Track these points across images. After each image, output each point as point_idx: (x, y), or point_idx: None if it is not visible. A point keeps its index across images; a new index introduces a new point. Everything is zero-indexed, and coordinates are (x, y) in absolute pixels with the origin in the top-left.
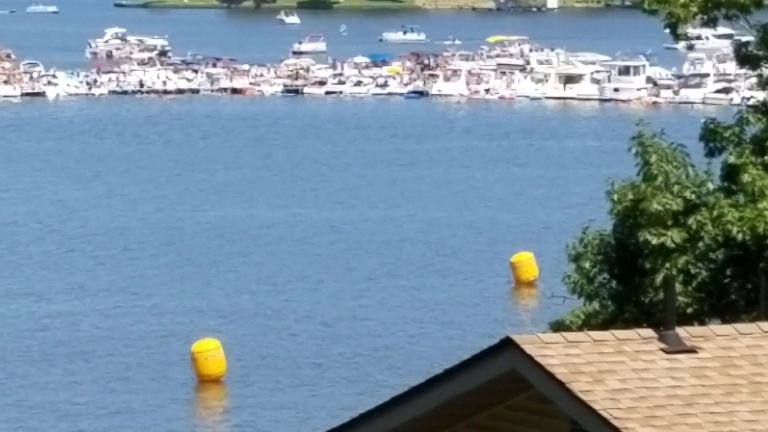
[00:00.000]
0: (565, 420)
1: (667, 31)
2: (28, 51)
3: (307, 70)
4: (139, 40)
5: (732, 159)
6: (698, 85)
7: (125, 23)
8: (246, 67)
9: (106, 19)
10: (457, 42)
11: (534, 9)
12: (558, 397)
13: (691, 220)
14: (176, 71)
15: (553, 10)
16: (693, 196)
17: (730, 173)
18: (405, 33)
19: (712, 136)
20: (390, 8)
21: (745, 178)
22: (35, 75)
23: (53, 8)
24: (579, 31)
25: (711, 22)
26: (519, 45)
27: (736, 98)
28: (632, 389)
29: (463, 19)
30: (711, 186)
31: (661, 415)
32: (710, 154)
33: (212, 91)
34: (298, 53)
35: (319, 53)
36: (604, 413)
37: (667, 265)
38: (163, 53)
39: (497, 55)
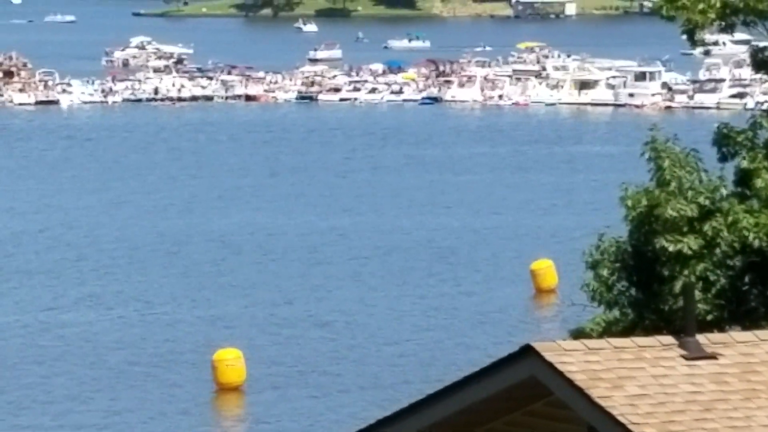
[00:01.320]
0: (583, 426)
1: (684, 37)
2: (45, 60)
3: (322, 76)
4: (156, 49)
5: (745, 164)
6: (713, 90)
7: (144, 32)
8: (261, 74)
9: (124, 28)
10: (488, 48)
11: (552, 16)
12: (576, 403)
13: (706, 227)
14: (191, 79)
15: (572, 17)
16: (707, 202)
17: (743, 178)
18: (410, 41)
19: (725, 141)
20: (407, 16)
21: (759, 183)
22: (50, 83)
23: (71, 18)
24: (597, 37)
25: (728, 28)
26: (550, 52)
27: (751, 103)
28: (651, 395)
29: (481, 26)
30: (724, 191)
31: (679, 420)
32: (723, 159)
33: (227, 98)
34: (313, 61)
35: (335, 61)
36: (621, 418)
37: (686, 272)
38: (179, 61)
39: (513, 62)
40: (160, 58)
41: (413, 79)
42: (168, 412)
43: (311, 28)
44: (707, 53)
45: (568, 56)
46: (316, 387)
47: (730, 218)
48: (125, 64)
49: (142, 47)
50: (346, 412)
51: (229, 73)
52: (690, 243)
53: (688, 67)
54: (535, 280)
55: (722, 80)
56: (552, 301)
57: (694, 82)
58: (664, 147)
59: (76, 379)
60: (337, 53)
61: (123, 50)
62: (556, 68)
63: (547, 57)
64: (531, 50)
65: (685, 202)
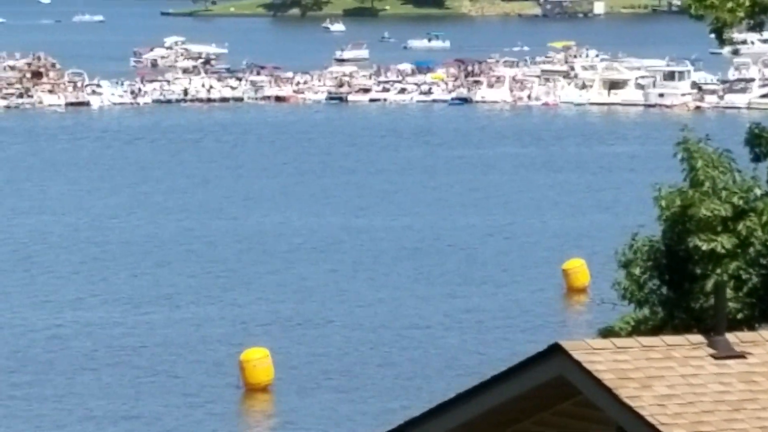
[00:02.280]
0: (611, 426)
1: (713, 35)
2: (73, 60)
3: (351, 77)
4: (185, 49)
5: None
6: (743, 90)
7: (173, 32)
8: (290, 74)
9: (152, 28)
10: (525, 48)
11: (580, 15)
12: (605, 402)
13: (740, 226)
14: (220, 79)
15: (600, 16)
16: (741, 202)
17: None
18: (430, 40)
19: (757, 141)
20: (435, 15)
21: None
22: (79, 84)
23: (99, 18)
24: (625, 36)
25: (757, 27)
26: (586, 50)
27: None
28: (680, 395)
29: (509, 25)
30: (758, 191)
31: (708, 420)
32: (756, 159)
33: (256, 99)
34: (340, 61)
35: (362, 60)
36: (650, 419)
37: (718, 270)
38: (207, 62)
39: (542, 62)
40: (188, 58)
41: (442, 80)
42: (196, 411)
43: (339, 27)
44: (736, 52)
45: (597, 56)
46: (344, 387)
47: (764, 218)
48: (154, 64)
49: (171, 47)
50: (374, 412)
51: (258, 73)
52: (723, 242)
53: (717, 66)
54: (566, 279)
55: (752, 80)
56: (583, 300)
57: (723, 81)
58: (697, 147)
59: (102, 378)
60: (363, 53)
61: (151, 50)
62: (585, 68)
63: (576, 57)
64: (566, 49)
65: (719, 202)
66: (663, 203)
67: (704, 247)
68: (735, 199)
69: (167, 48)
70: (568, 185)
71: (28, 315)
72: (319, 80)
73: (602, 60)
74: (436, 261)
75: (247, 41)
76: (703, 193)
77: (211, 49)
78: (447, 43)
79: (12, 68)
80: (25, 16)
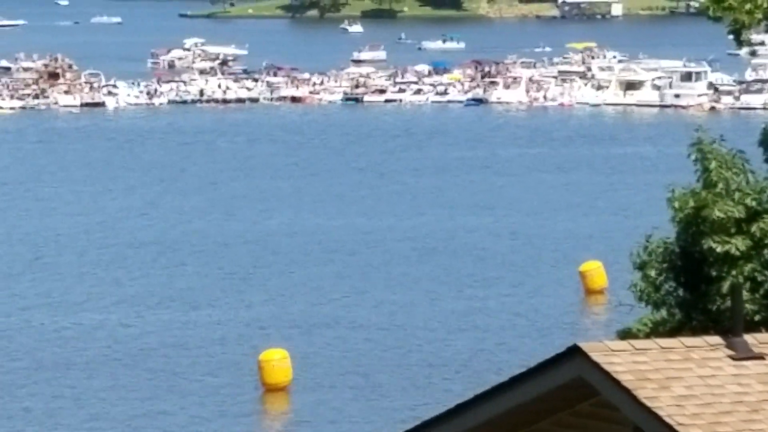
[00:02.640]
0: (629, 427)
1: (731, 37)
2: (90, 61)
3: (368, 78)
4: (202, 51)
5: None
6: (759, 91)
7: (191, 34)
8: (306, 75)
9: (170, 29)
10: (547, 49)
11: (598, 16)
12: (623, 403)
13: (754, 228)
14: (236, 80)
15: (618, 18)
16: (754, 203)
17: None
18: (444, 42)
19: None
20: (453, 17)
21: None
22: (96, 85)
23: (117, 19)
24: (643, 38)
25: None
26: (605, 50)
27: None
28: (698, 396)
29: (527, 27)
30: None
31: (726, 421)
32: None
33: (272, 99)
34: (357, 62)
35: (379, 62)
36: (668, 419)
37: (734, 272)
38: (224, 63)
39: (558, 63)
40: (205, 59)
41: (459, 80)
42: (214, 412)
43: (357, 29)
44: (753, 53)
45: (615, 57)
46: (361, 387)
47: None
48: (171, 65)
49: (189, 49)
50: (392, 413)
51: (275, 74)
52: (738, 244)
53: (735, 68)
54: (584, 281)
55: None
56: (601, 302)
57: (740, 82)
58: (711, 148)
59: (119, 380)
60: (381, 54)
61: (169, 52)
62: (602, 69)
63: (593, 58)
64: (587, 50)
65: (732, 203)
66: (676, 204)
67: (718, 249)
68: (748, 201)
69: (185, 49)
70: (584, 186)
71: (43, 315)
72: (336, 81)
73: (620, 61)
74: (452, 262)
75: (266, 43)
76: (716, 194)
77: (231, 51)
78: (462, 45)
79: (28, 70)
80: (44, 17)
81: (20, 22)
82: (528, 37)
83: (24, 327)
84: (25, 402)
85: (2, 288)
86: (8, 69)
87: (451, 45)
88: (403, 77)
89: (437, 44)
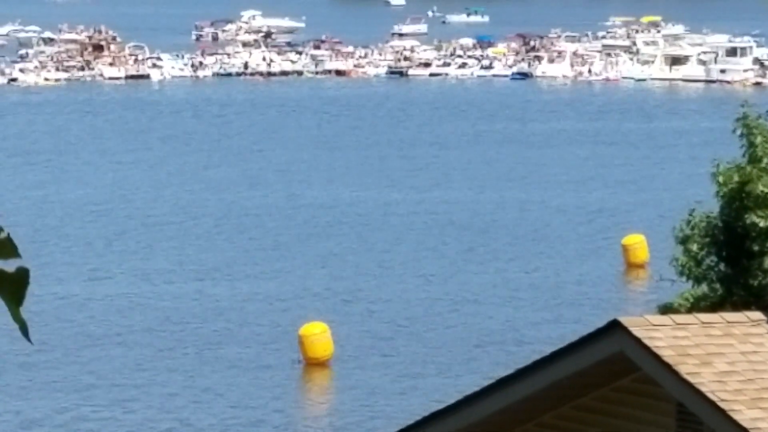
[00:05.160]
0: (671, 402)
1: None
2: (134, 33)
3: (412, 51)
4: (245, 23)
5: None
6: None
7: (233, 5)
8: (350, 48)
9: (211, 2)
10: (617, 22)
11: None
12: (665, 379)
13: None
14: (280, 53)
15: None
16: None
17: None
18: (468, 15)
19: None
20: None
21: None
22: (140, 57)
23: None
24: (689, 12)
25: None
26: (672, 26)
27: None
28: (740, 372)
29: (571, 1)
30: None
31: None
32: None
33: (316, 72)
34: (398, 35)
35: (421, 35)
36: (711, 395)
37: None
38: (268, 35)
39: (603, 37)
40: (249, 32)
41: (504, 54)
42: (255, 386)
43: (399, 2)
44: None
45: (658, 31)
46: (402, 361)
47: None
48: (215, 38)
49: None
50: (432, 387)
51: (318, 47)
52: None
53: None
54: (626, 255)
55: None
56: (642, 276)
57: None
58: (756, 123)
59: (160, 354)
60: (422, 27)
61: (212, 24)
62: (647, 44)
63: (638, 32)
64: (655, 24)
65: None
66: (720, 179)
67: (761, 223)
68: None
69: (243, 22)
70: (629, 160)
71: (82, 288)
72: (380, 54)
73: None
74: (494, 235)
75: (307, 15)
76: (761, 169)
77: (288, 23)
78: (486, 18)
79: (72, 41)
80: None
81: None
82: (571, 12)
83: (67, 299)
84: (62, 373)
85: (42, 258)
86: (52, 40)
87: (475, 18)
88: (447, 50)
89: (461, 17)
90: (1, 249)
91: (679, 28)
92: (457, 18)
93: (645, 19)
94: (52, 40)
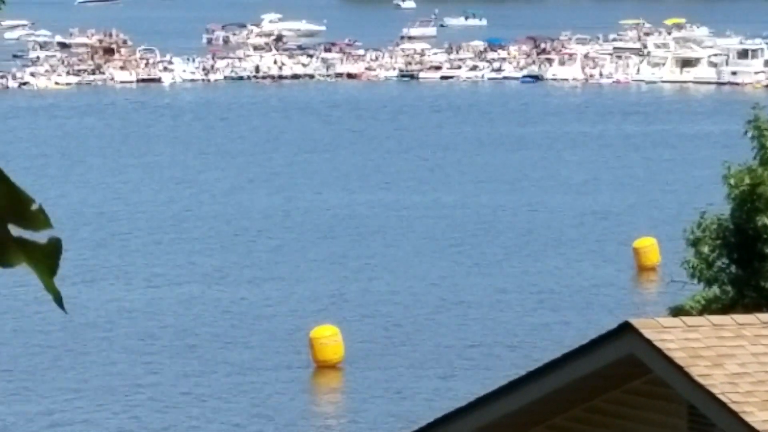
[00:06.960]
0: (683, 404)
1: None
2: (144, 37)
3: (422, 54)
4: (254, 25)
5: None
6: None
7: (242, 8)
8: (361, 52)
9: (223, 5)
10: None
11: None
12: (676, 381)
13: None
14: (291, 56)
15: None
16: None
17: None
18: (467, 18)
19: None
20: None
21: None
22: (151, 61)
23: None
24: (701, 14)
25: None
26: (698, 28)
27: None
28: (751, 373)
29: (579, 3)
30: None
31: None
32: None
33: (327, 76)
34: (407, 38)
35: (429, 38)
36: (722, 397)
37: None
38: (279, 38)
39: (613, 39)
40: (260, 35)
41: (514, 57)
42: (265, 389)
43: (409, 4)
44: None
45: (669, 33)
46: (412, 364)
47: None
48: (226, 41)
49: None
50: (443, 390)
51: (329, 50)
52: None
53: None
54: (637, 257)
55: None
56: (653, 278)
57: None
58: None
59: (170, 357)
60: (431, 30)
61: (223, 28)
62: (658, 46)
63: (648, 35)
64: (678, 26)
65: None
66: (732, 181)
67: None
68: None
69: (239, 26)
70: (640, 163)
71: (100, 292)
72: (391, 57)
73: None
74: (505, 237)
75: (317, 18)
76: None
77: (308, 26)
78: (483, 22)
79: (83, 45)
80: None
81: None
82: (583, 14)
83: (85, 301)
84: (79, 375)
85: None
86: (65, 45)
87: (473, 22)
88: (458, 53)
89: (459, 21)
90: (34, 220)
91: (703, 31)
92: (456, 21)
93: (669, 21)
94: (64, 44)
